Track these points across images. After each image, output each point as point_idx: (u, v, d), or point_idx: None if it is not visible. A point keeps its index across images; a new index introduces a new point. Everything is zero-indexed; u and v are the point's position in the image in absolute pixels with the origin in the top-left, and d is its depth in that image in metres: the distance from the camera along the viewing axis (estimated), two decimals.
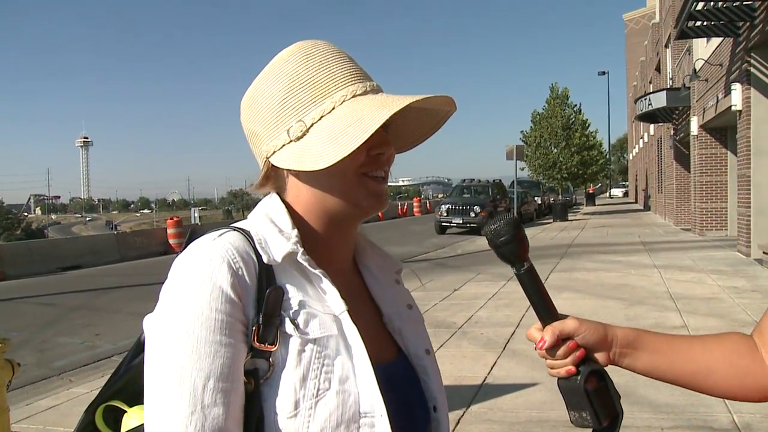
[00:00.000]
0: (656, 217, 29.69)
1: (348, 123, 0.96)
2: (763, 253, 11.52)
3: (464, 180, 28.62)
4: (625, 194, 70.97)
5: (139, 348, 1.06)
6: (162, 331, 0.89)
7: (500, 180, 29.06)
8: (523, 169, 33.97)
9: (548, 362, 1.07)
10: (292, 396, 0.91)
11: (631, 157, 60.07)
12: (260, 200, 1.09)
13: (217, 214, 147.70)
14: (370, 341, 1.00)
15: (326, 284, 0.99)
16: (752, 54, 11.92)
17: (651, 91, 27.04)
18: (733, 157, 16.45)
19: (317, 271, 0.98)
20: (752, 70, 12.02)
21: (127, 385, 1.05)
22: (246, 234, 0.98)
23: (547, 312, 1.08)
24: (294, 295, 0.96)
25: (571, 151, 33.92)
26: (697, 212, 18.61)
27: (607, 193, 77.13)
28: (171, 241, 20.42)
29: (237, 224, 1.02)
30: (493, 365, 5.66)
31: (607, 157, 51.90)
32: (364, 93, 1.01)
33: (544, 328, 1.07)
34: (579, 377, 1.03)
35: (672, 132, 24.21)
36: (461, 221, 23.13)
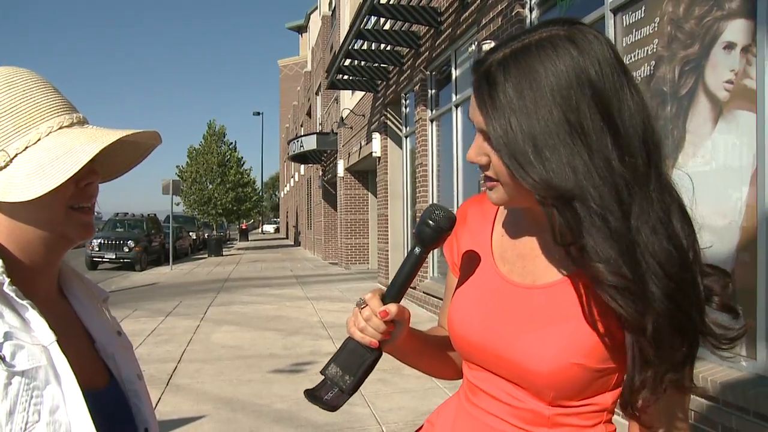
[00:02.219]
0: (306, 252, 31.40)
1: (56, 155, 0.97)
2: None
3: (117, 214, 27.24)
4: (277, 230, 73.60)
5: None
6: None
7: (155, 214, 28.23)
8: (178, 204, 33.52)
9: (362, 326, 1.10)
10: None
11: (282, 195, 62.52)
12: None
13: None
14: (83, 368, 1.01)
15: (32, 315, 0.97)
16: (388, 109, 13.45)
17: (303, 134, 28.70)
18: (374, 198, 18.28)
19: (24, 302, 0.96)
20: (388, 122, 13.56)
21: None
22: None
23: (400, 293, 1.14)
24: (0, 326, 0.93)
25: (227, 187, 34.49)
26: (343, 247, 20.08)
27: (260, 229, 79.01)
28: None
29: None
30: (158, 401, 5.55)
31: (260, 194, 53.60)
32: (71, 125, 1.02)
33: (386, 302, 1.11)
34: (374, 353, 1.13)
35: (321, 173, 25.86)
36: (114, 256, 21.91)
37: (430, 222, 1.11)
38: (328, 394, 1.14)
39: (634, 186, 0.95)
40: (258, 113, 60.17)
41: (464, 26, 8.13)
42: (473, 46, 7.73)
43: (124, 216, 26.74)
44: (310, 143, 22.87)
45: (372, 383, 5.93)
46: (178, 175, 34.07)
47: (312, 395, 1.14)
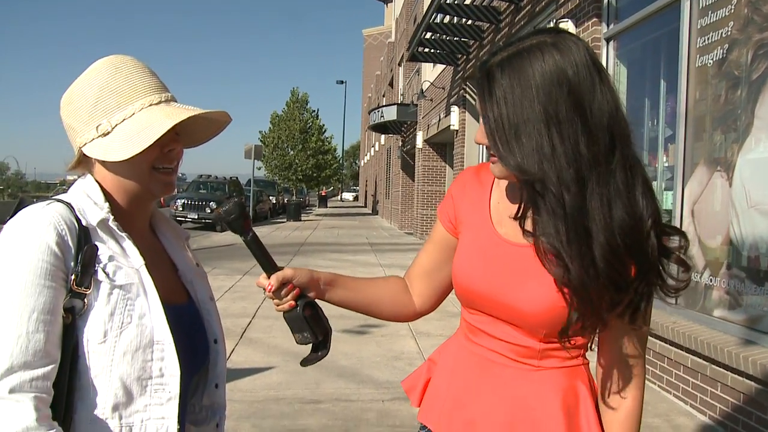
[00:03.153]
0: (383, 221, 31.80)
1: (142, 127, 1.27)
2: None
3: (201, 176, 28.22)
4: (356, 198, 74.41)
5: None
6: None
7: (237, 177, 29.06)
8: (260, 169, 34.37)
9: (275, 302, 1.40)
10: (102, 327, 1.20)
11: (362, 164, 63.00)
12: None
13: None
14: (166, 288, 1.33)
15: (128, 244, 1.29)
16: (467, 83, 13.48)
17: (384, 104, 28.88)
18: (451, 170, 18.38)
19: (123, 234, 1.29)
20: (467, 96, 13.61)
21: None
22: (68, 204, 1.26)
23: (269, 266, 1.41)
24: (105, 251, 1.25)
25: (307, 154, 34.91)
26: (419, 218, 20.33)
27: (339, 197, 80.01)
28: None
29: (59, 197, 1.30)
30: (232, 352, 5.96)
31: (341, 162, 54.27)
32: (159, 103, 1.33)
33: (269, 278, 1.39)
34: (298, 308, 1.40)
35: (400, 143, 26.04)
36: (197, 216, 22.81)
37: (228, 220, 1.38)
38: (312, 351, 1.45)
39: (596, 165, 1.16)
40: (341, 82, 60.36)
41: (543, 3, 8.13)
42: (551, 24, 7.74)
43: (207, 178, 27.64)
44: (390, 114, 23.08)
45: (434, 347, 6.15)
46: (261, 141, 34.75)
47: (304, 360, 1.45)
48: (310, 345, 1.45)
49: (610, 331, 1.29)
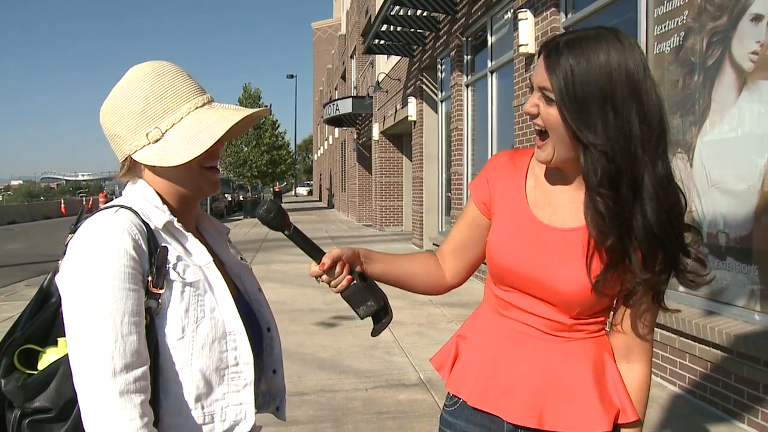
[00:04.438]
0: (340, 214, 31.78)
1: (196, 131, 1.31)
2: (433, 244, 13.41)
3: None
4: (310, 192, 73.78)
5: (40, 300, 1.31)
6: (84, 284, 1.20)
7: None
8: None
9: (332, 283, 1.46)
10: (179, 324, 1.27)
11: (316, 158, 62.68)
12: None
13: None
14: None
15: (193, 243, 1.37)
16: (423, 73, 13.63)
17: (337, 97, 28.83)
18: (408, 161, 18.50)
19: (188, 234, 1.36)
20: (423, 87, 13.75)
21: (37, 330, 1.28)
22: (133, 210, 1.31)
23: (317, 252, 1.47)
24: (173, 252, 1.31)
25: (261, 150, 34.72)
26: (377, 209, 20.46)
27: (293, 192, 79.55)
28: None
29: (119, 202, 1.34)
30: None
31: (294, 156, 53.98)
32: (203, 105, 1.38)
33: (318, 264, 1.46)
34: (355, 281, 1.48)
35: (355, 136, 26.06)
36: None
37: (268, 220, 1.43)
38: (378, 317, 1.52)
39: (647, 146, 1.29)
40: (292, 76, 59.64)
41: None
42: (509, 14, 7.91)
43: None
44: (345, 107, 23.05)
45: (409, 336, 6.31)
46: None
47: (375, 331, 1.54)
48: (375, 318, 1.52)
49: (634, 307, 1.43)
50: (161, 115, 1.33)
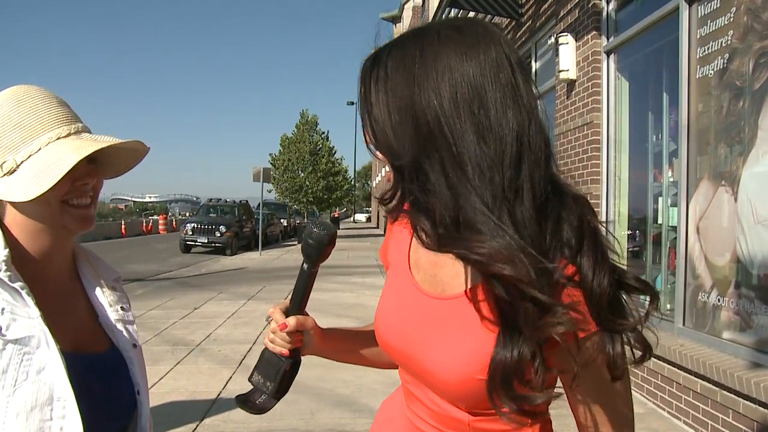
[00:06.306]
0: None
1: (47, 164, 1.15)
2: None
3: (210, 199, 28.25)
4: (368, 219, 74.31)
5: None
6: None
7: (246, 201, 29.10)
8: (270, 191, 34.39)
9: (271, 337, 1.27)
10: None
11: (374, 185, 63.17)
12: None
13: None
14: (83, 336, 1.24)
15: (24, 296, 1.15)
16: None
17: None
18: None
19: (16, 285, 1.14)
20: None
21: None
22: None
23: (299, 305, 1.29)
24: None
25: (318, 176, 34.98)
26: None
27: (352, 218, 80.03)
28: None
29: None
30: (228, 380, 5.79)
31: (352, 183, 54.36)
32: (68, 135, 1.20)
33: (288, 315, 1.27)
34: (288, 360, 1.27)
35: None
36: (206, 240, 22.77)
37: (310, 240, 1.24)
38: (259, 399, 1.29)
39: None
40: (352, 103, 60.36)
41: (543, 18, 8.00)
42: (552, 39, 7.60)
43: (217, 201, 27.69)
44: None
45: None
46: (271, 163, 34.82)
47: (242, 400, 1.31)
48: (256, 391, 1.31)
49: (576, 392, 1.03)
50: (18, 145, 1.17)
